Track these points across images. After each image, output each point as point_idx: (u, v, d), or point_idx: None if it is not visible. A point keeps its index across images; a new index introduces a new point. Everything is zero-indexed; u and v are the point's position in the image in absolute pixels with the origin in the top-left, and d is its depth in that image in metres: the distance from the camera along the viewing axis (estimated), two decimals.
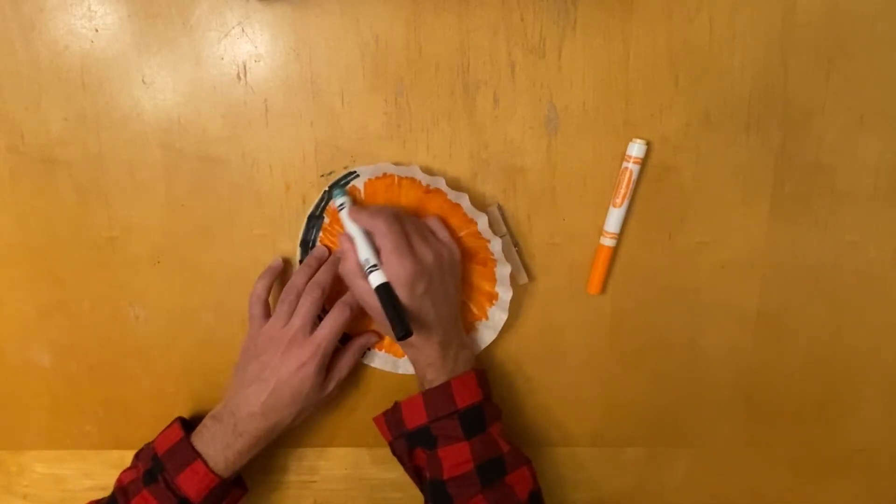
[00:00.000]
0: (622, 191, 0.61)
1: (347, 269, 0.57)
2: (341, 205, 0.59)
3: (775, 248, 0.63)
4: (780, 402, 0.67)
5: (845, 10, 0.58)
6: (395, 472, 0.68)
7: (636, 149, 0.60)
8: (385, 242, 0.55)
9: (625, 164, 0.60)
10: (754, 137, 0.61)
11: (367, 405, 0.67)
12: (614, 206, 0.61)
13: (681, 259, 0.64)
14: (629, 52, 0.59)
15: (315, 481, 0.69)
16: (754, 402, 0.67)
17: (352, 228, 0.57)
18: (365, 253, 0.56)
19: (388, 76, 0.59)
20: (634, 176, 0.60)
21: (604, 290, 0.64)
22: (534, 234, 0.63)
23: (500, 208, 0.62)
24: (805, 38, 0.59)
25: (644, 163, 0.61)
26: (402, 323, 0.53)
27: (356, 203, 0.60)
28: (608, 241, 0.62)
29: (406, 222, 0.57)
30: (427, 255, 0.56)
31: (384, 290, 0.54)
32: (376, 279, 0.54)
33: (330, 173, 0.61)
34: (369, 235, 0.57)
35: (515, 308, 0.64)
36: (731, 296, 0.64)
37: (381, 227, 0.55)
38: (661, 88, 0.60)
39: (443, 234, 0.60)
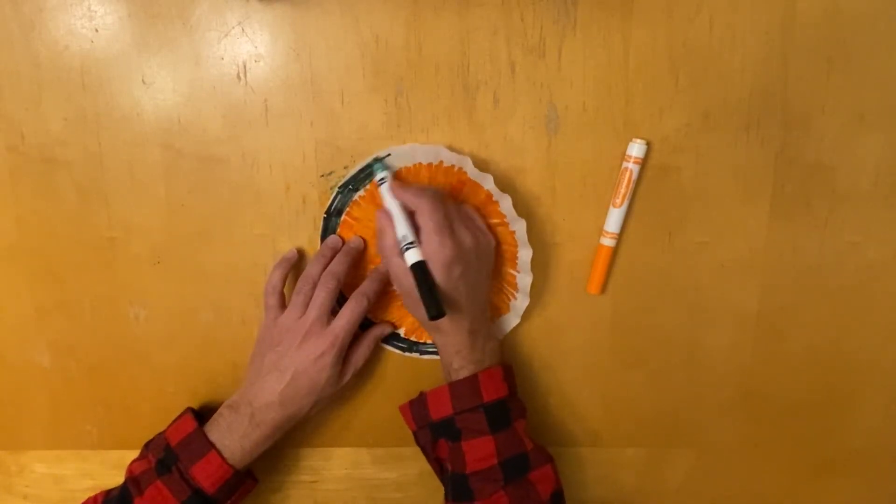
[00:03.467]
0: (622, 191, 0.61)
1: (385, 246, 0.57)
2: (382, 179, 0.58)
3: (775, 248, 0.63)
4: (780, 403, 0.67)
5: (845, 10, 0.58)
6: (396, 472, 0.68)
7: (636, 149, 0.60)
8: (427, 222, 0.54)
9: (625, 164, 0.60)
10: (754, 137, 0.61)
11: (368, 406, 0.67)
12: (614, 206, 0.61)
13: (681, 259, 0.64)
14: (629, 52, 0.59)
15: (316, 481, 0.69)
16: (754, 402, 0.67)
17: (391, 204, 0.57)
18: (403, 229, 0.55)
19: (388, 76, 0.59)
20: (634, 176, 0.60)
21: (604, 290, 0.64)
22: (534, 234, 0.63)
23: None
24: (805, 38, 0.59)
25: (644, 163, 0.61)
26: (436, 303, 0.52)
27: (397, 178, 0.59)
28: (608, 241, 0.62)
29: (448, 203, 0.57)
30: (467, 239, 0.56)
31: (419, 269, 0.53)
32: (412, 257, 0.54)
33: (330, 173, 0.61)
34: (407, 213, 0.56)
35: None
36: (731, 296, 0.64)
37: (425, 207, 0.55)
38: (661, 88, 0.60)
39: (480, 221, 0.60)
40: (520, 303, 0.63)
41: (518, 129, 0.61)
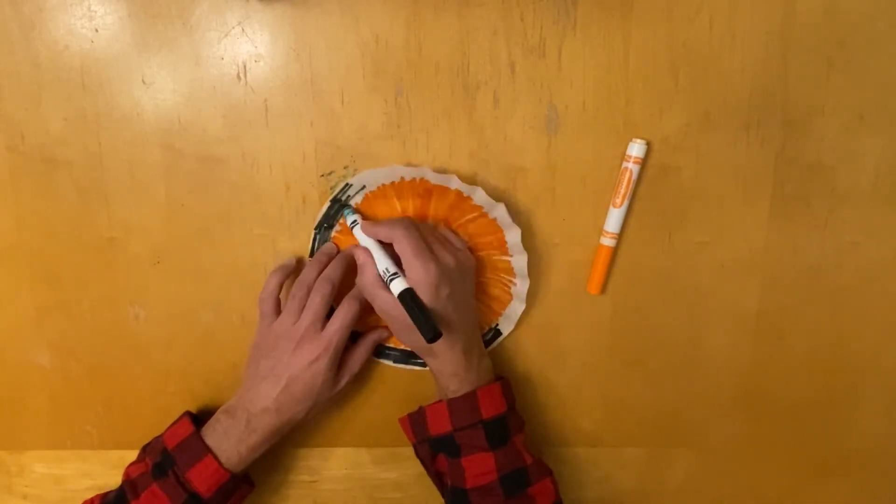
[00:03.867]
0: (622, 191, 0.61)
1: (367, 282, 0.57)
2: (353, 222, 0.59)
3: (775, 248, 0.63)
4: (780, 403, 0.67)
5: (845, 10, 0.58)
6: (395, 472, 0.68)
7: (636, 149, 0.60)
8: (405, 248, 0.55)
9: (625, 164, 0.60)
10: (754, 137, 0.61)
11: (368, 406, 0.67)
12: (614, 206, 0.61)
13: (681, 259, 0.64)
14: (629, 52, 0.59)
15: (315, 481, 0.69)
16: (754, 402, 0.67)
17: (367, 242, 0.58)
18: (384, 263, 0.56)
19: (388, 76, 0.59)
20: (634, 176, 0.60)
21: (604, 290, 0.64)
22: (534, 234, 0.63)
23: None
24: (805, 38, 0.59)
25: (644, 163, 0.61)
26: (431, 325, 0.51)
27: (366, 218, 0.60)
28: (608, 241, 0.62)
29: (422, 229, 0.57)
30: (448, 258, 0.56)
31: (409, 296, 0.53)
32: (398, 286, 0.54)
33: (330, 173, 0.61)
34: (385, 247, 0.57)
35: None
36: (731, 296, 0.64)
37: (399, 235, 0.55)
38: (661, 88, 0.60)
39: (456, 241, 0.60)
40: (520, 287, 0.63)
41: (518, 129, 0.61)
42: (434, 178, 0.59)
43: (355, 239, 0.61)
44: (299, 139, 0.61)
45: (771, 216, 0.63)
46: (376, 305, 0.57)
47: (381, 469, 0.68)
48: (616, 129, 0.60)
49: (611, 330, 0.65)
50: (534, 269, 0.63)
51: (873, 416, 0.68)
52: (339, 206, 0.61)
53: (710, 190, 0.62)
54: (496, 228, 0.61)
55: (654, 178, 0.62)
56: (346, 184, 0.60)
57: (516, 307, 0.63)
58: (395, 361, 0.64)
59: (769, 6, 0.58)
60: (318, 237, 0.62)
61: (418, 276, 0.54)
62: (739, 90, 0.60)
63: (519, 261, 0.62)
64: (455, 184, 0.59)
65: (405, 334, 0.57)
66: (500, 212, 0.60)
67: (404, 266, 0.55)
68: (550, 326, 0.65)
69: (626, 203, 0.61)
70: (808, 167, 0.62)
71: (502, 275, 0.63)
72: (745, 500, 0.70)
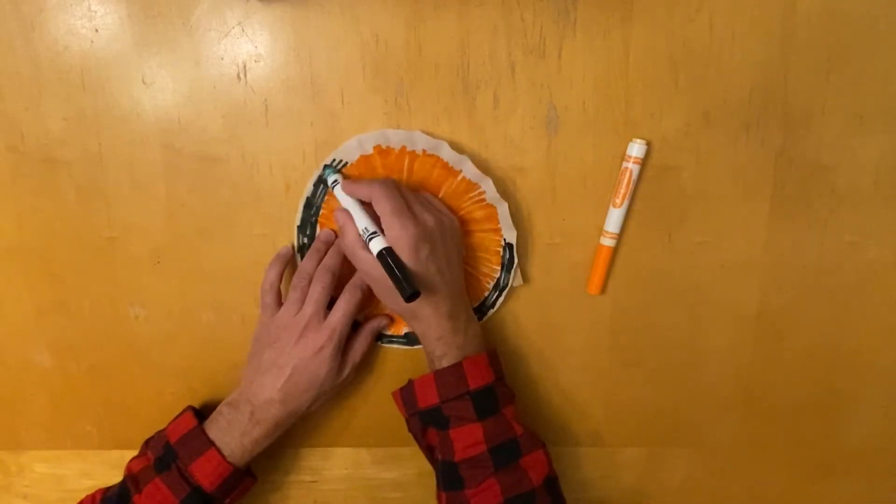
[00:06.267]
0: (622, 191, 0.61)
1: (348, 243, 0.57)
2: (334, 181, 0.59)
3: (775, 248, 0.63)
4: (780, 402, 0.67)
5: (845, 10, 0.58)
6: (395, 472, 0.68)
7: (636, 149, 0.60)
8: (384, 207, 0.54)
9: (625, 164, 0.60)
10: (754, 137, 0.61)
11: (368, 406, 0.67)
12: (614, 206, 0.61)
13: (681, 259, 0.64)
14: (629, 52, 0.59)
15: (315, 481, 0.69)
16: (754, 401, 0.67)
17: (347, 202, 0.57)
18: (363, 222, 0.55)
19: (388, 76, 0.59)
20: (634, 176, 0.60)
21: (604, 290, 0.64)
22: (534, 234, 0.63)
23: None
24: (805, 38, 0.59)
25: (644, 163, 0.61)
26: (408, 283, 0.51)
27: (348, 178, 0.60)
28: (608, 241, 0.62)
29: (402, 189, 0.57)
30: (428, 218, 0.56)
31: (387, 254, 0.53)
32: (377, 245, 0.54)
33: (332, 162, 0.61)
34: (365, 206, 0.57)
35: (515, 308, 0.64)
36: (731, 296, 0.64)
37: (378, 194, 0.55)
38: (661, 88, 0.60)
39: (439, 204, 0.60)
40: (507, 234, 0.62)
41: (518, 129, 0.61)
42: (423, 143, 0.59)
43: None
44: (299, 139, 0.61)
45: (771, 216, 0.63)
46: (358, 267, 0.58)
47: (381, 469, 0.68)
48: (616, 129, 0.60)
49: (611, 330, 0.65)
50: (534, 269, 0.63)
51: (873, 416, 0.68)
52: (313, 205, 0.61)
53: (710, 190, 0.62)
54: (469, 185, 0.61)
55: (654, 178, 0.62)
56: (332, 160, 0.60)
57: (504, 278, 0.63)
58: (405, 345, 0.64)
59: (769, 6, 0.58)
60: (301, 237, 0.62)
61: (397, 234, 0.54)
62: (739, 90, 0.60)
63: (502, 210, 0.61)
64: (446, 153, 0.59)
65: (388, 296, 0.57)
66: (467, 168, 0.60)
67: (383, 224, 0.55)
68: (550, 326, 0.65)
69: (626, 203, 0.61)
70: (808, 167, 0.62)
71: (486, 224, 0.62)
72: (745, 500, 0.70)
